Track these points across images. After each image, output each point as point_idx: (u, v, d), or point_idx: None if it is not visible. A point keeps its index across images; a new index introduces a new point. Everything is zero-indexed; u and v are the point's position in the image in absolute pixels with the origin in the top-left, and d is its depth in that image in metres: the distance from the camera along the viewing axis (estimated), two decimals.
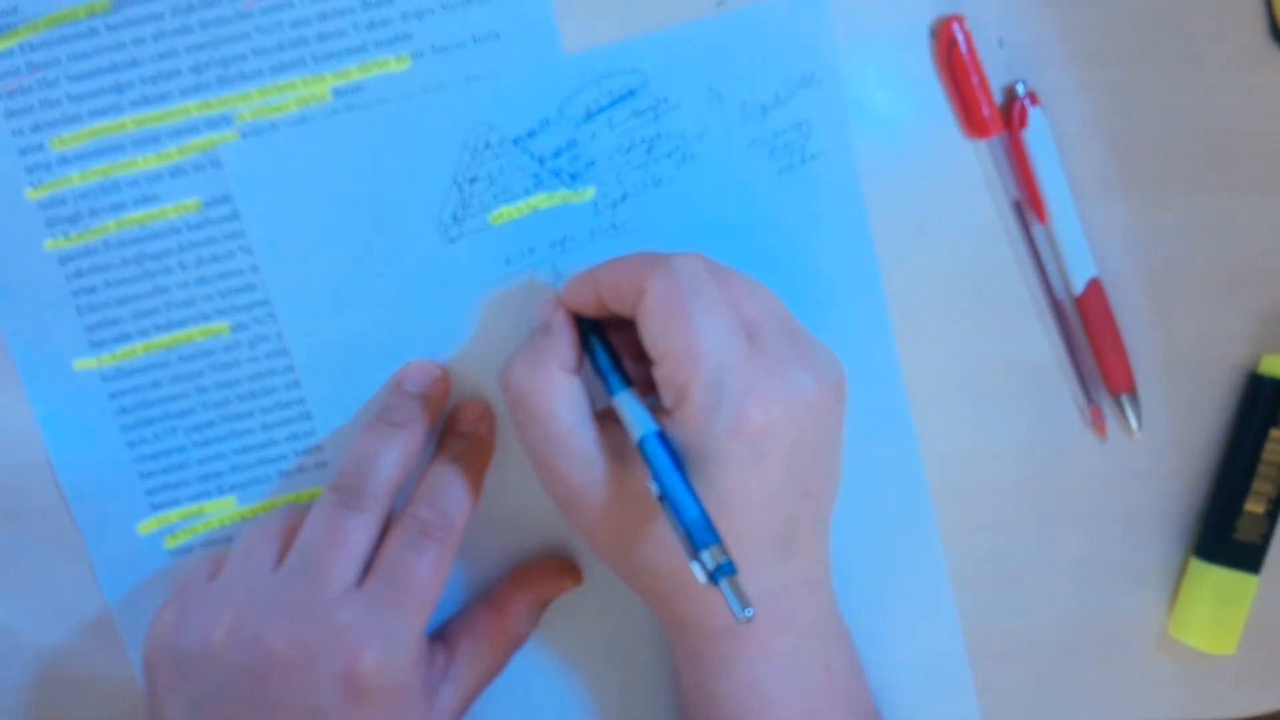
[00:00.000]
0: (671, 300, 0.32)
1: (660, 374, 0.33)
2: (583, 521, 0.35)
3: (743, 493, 0.32)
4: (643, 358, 0.34)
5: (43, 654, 0.40)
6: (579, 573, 0.40)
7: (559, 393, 0.34)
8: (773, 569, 0.33)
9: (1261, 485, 0.40)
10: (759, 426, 0.32)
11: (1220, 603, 0.40)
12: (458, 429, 0.38)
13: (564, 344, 0.35)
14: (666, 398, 0.33)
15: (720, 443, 0.32)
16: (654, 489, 0.31)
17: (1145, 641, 0.42)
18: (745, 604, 0.29)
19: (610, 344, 0.35)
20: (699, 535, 0.30)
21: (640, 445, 0.32)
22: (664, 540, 0.33)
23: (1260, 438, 0.40)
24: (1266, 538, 0.40)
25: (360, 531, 0.35)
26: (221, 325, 0.39)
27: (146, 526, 0.40)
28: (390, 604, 0.34)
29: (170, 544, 0.40)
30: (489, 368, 0.39)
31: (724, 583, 0.29)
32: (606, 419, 0.35)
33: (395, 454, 0.36)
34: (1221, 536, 0.40)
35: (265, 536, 0.36)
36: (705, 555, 0.29)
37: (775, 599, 0.34)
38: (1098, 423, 0.41)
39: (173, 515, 0.40)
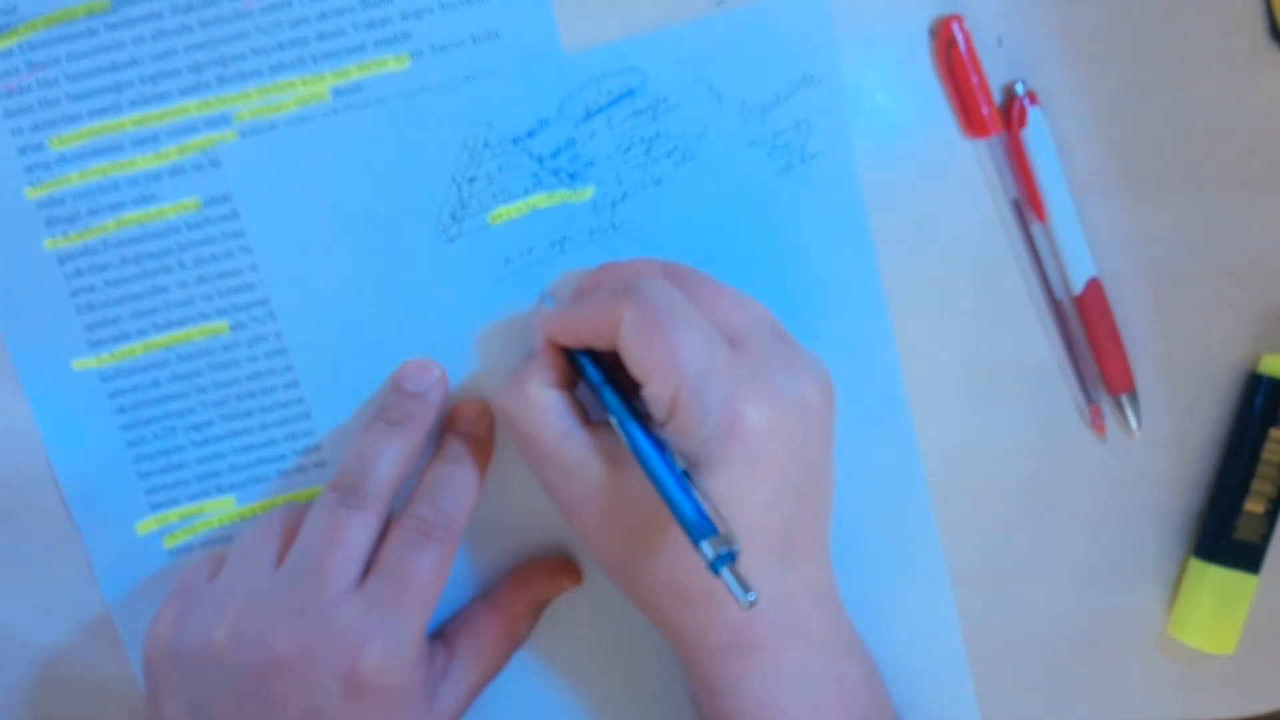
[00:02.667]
0: (644, 322, 0.32)
1: (648, 394, 0.33)
2: (585, 532, 0.35)
3: (740, 497, 0.32)
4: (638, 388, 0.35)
5: (42, 654, 0.40)
6: (579, 572, 0.40)
7: (540, 408, 0.34)
8: (775, 577, 0.33)
9: (1261, 485, 0.40)
10: (750, 427, 0.32)
11: (1220, 603, 0.40)
12: (457, 428, 0.38)
13: (540, 364, 0.35)
14: (658, 414, 0.33)
15: (713, 446, 0.32)
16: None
17: (1145, 641, 0.42)
18: (747, 589, 0.29)
19: (600, 360, 0.36)
20: (696, 527, 0.30)
21: (629, 444, 0.33)
22: (663, 548, 0.33)
23: (1260, 438, 0.40)
24: (1266, 537, 0.40)
25: (360, 531, 0.35)
26: (220, 325, 0.39)
27: (145, 526, 0.40)
28: (391, 603, 0.34)
29: (169, 544, 0.40)
30: (488, 367, 0.39)
31: (724, 571, 0.29)
32: (605, 429, 0.35)
33: (394, 453, 0.36)
34: (1221, 536, 0.40)
35: (265, 536, 0.36)
36: (705, 545, 0.29)
37: (780, 609, 0.34)
38: (1097, 423, 0.41)
39: (172, 515, 0.40)
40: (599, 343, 0.34)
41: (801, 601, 0.34)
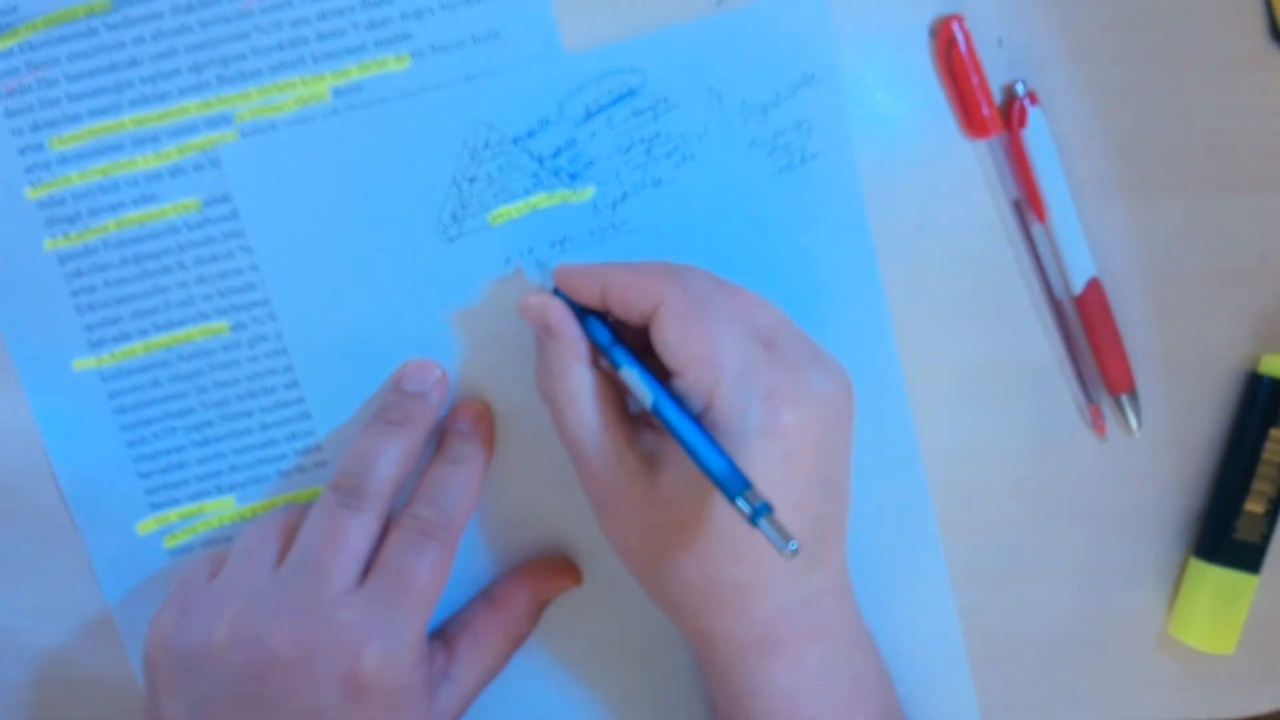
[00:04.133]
0: (689, 310, 0.32)
1: (683, 382, 0.33)
2: (615, 526, 0.35)
3: (775, 493, 0.32)
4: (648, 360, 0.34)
5: (42, 654, 0.40)
6: (579, 573, 0.40)
7: (580, 393, 0.34)
8: (803, 576, 0.33)
9: (1261, 485, 0.40)
10: (787, 425, 0.32)
11: (1220, 603, 0.40)
12: (457, 429, 0.38)
13: (568, 341, 0.35)
14: (693, 404, 0.33)
15: (751, 443, 0.32)
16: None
17: (1145, 641, 0.42)
18: (788, 538, 0.29)
19: (608, 322, 0.35)
20: (730, 482, 0.30)
21: (652, 408, 0.32)
22: (695, 547, 0.33)
23: (1260, 438, 0.40)
24: (1266, 537, 0.40)
25: (360, 531, 0.35)
26: (221, 325, 0.39)
27: (146, 526, 0.40)
28: (391, 603, 0.34)
29: (169, 543, 0.40)
30: (488, 367, 0.39)
31: (763, 522, 0.29)
32: (640, 423, 0.35)
33: (394, 453, 0.36)
34: (1221, 536, 0.40)
35: (265, 536, 0.36)
36: (741, 500, 0.29)
37: (806, 607, 0.34)
38: (1097, 422, 0.41)
39: (172, 515, 0.40)
40: (623, 310, 0.34)
41: (825, 600, 0.34)
